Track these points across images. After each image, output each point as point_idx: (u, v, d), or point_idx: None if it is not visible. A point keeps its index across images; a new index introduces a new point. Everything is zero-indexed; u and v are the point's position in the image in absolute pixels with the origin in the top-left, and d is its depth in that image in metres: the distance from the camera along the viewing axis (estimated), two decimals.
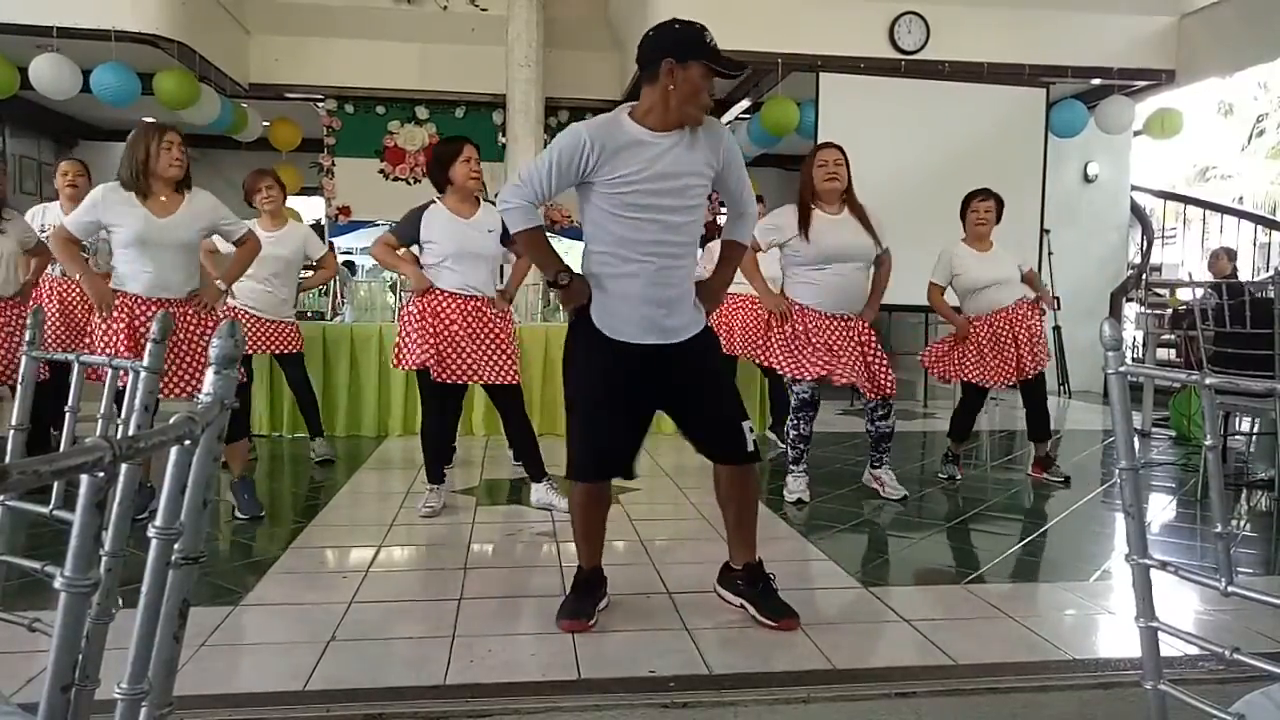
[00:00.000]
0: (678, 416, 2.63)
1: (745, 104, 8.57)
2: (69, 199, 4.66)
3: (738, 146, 2.59)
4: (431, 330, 3.72)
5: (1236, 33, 6.93)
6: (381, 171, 8.78)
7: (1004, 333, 4.53)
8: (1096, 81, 7.60)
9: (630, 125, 2.40)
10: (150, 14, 6.31)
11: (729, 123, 9.22)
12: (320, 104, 8.68)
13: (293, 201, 10.57)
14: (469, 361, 3.74)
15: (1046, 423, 4.69)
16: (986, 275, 4.55)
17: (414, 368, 3.76)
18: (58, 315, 4.59)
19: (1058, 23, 7.10)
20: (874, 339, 4.08)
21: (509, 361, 3.82)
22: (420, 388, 3.89)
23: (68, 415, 1.46)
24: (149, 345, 1.25)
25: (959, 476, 4.68)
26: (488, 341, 3.77)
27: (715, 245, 3.55)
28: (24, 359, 1.48)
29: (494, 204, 3.88)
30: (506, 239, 3.89)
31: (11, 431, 1.44)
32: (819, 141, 4.13)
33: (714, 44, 2.34)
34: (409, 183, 8.80)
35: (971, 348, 4.58)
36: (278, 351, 4.77)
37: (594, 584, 2.66)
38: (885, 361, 4.07)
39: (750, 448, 2.57)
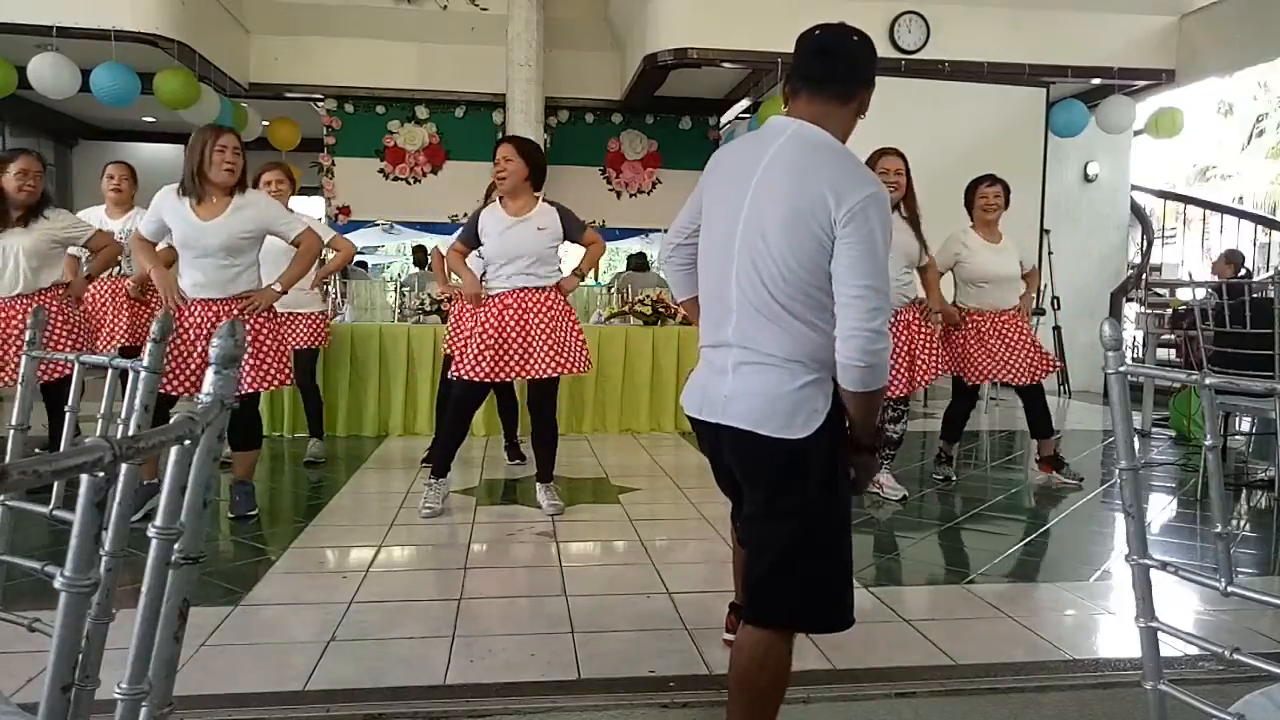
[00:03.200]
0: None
1: (745, 103, 8.57)
2: (114, 203, 4.67)
3: None
4: (491, 338, 3.71)
5: (1236, 33, 6.93)
6: (381, 171, 8.79)
7: (991, 337, 4.44)
8: (1096, 81, 7.60)
9: None
10: (150, 14, 6.31)
11: (728, 122, 9.24)
12: (320, 104, 8.68)
13: (292, 201, 10.61)
14: (519, 357, 3.74)
15: (1047, 419, 4.60)
16: (995, 270, 4.44)
17: (477, 379, 3.73)
18: (125, 312, 4.60)
19: (1058, 23, 7.10)
20: (926, 330, 4.15)
21: (563, 350, 3.79)
22: (455, 383, 3.88)
23: (67, 415, 1.46)
24: (148, 345, 1.24)
25: (955, 478, 4.66)
26: (539, 333, 3.75)
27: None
28: (24, 359, 1.48)
29: (553, 204, 3.85)
30: (571, 236, 3.88)
31: (11, 431, 1.44)
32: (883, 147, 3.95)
33: None
34: (409, 182, 8.81)
35: (959, 342, 4.49)
36: (306, 346, 4.77)
37: None
38: (932, 355, 4.12)
39: None
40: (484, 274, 3.93)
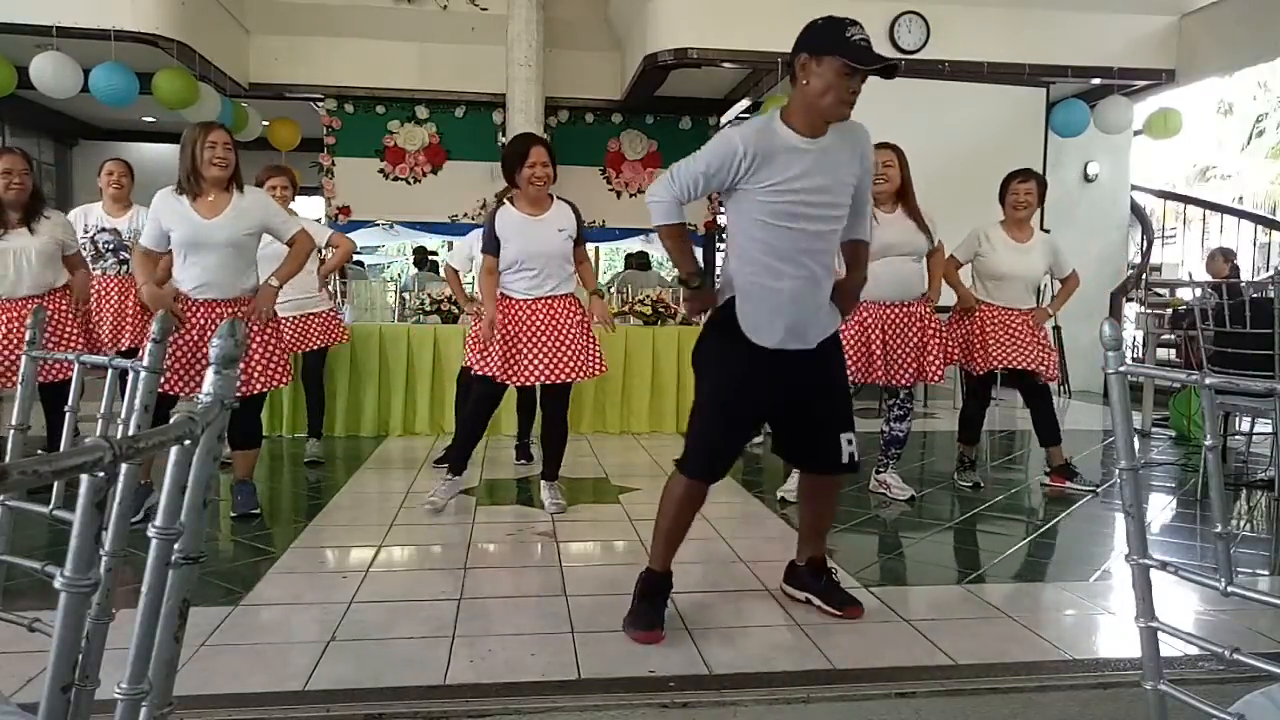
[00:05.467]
0: (781, 423, 2.66)
1: (745, 103, 8.57)
2: (113, 199, 4.66)
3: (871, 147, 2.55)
4: (505, 338, 3.74)
5: (1236, 33, 6.94)
6: (381, 171, 8.79)
7: (997, 328, 4.35)
8: (1096, 81, 7.61)
9: (783, 130, 2.34)
10: (150, 14, 6.31)
11: (728, 123, 9.24)
12: (320, 104, 8.68)
13: (292, 202, 10.62)
14: (540, 362, 3.74)
15: (1054, 424, 4.48)
16: (1010, 268, 4.33)
17: (487, 374, 3.77)
18: (130, 315, 4.57)
19: (1058, 23, 7.11)
20: (934, 321, 4.15)
21: (583, 356, 3.81)
22: (474, 380, 3.88)
23: (68, 415, 1.46)
24: (148, 345, 1.24)
25: (983, 484, 4.50)
26: (562, 340, 3.77)
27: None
28: (24, 359, 1.48)
29: (567, 202, 3.86)
30: (579, 238, 3.87)
31: (11, 431, 1.44)
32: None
33: (855, 38, 2.24)
34: (409, 182, 8.81)
35: (975, 331, 4.38)
36: (322, 345, 4.82)
37: (665, 589, 2.60)
38: (939, 348, 4.12)
39: (845, 459, 2.57)
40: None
